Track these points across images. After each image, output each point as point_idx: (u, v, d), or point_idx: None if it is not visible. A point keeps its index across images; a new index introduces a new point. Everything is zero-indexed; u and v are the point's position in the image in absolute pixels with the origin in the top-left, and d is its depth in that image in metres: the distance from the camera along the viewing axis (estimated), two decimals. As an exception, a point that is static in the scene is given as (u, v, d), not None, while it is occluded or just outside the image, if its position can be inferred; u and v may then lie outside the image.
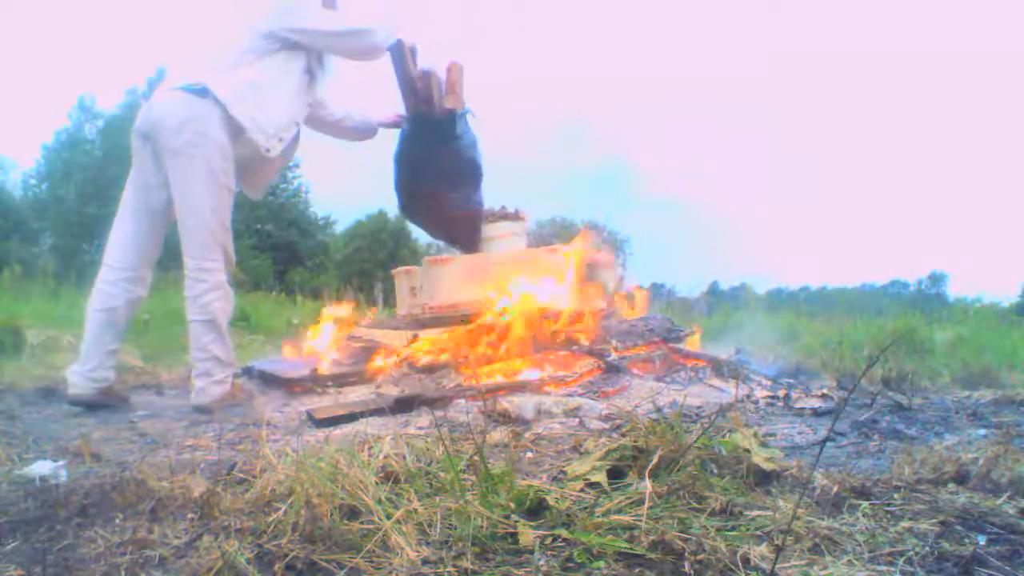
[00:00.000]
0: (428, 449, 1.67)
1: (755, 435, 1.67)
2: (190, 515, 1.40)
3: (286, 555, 1.17)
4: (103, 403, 2.92)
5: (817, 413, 2.70)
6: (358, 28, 3.05)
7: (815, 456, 1.96)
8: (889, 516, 1.38)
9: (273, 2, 2.96)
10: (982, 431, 2.32)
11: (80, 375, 2.91)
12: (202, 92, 2.82)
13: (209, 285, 2.89)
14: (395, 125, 3.70)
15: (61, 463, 1.78)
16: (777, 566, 1.13)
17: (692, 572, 1.14)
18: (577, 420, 2.47)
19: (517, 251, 3.85)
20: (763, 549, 1.18)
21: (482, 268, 3.68)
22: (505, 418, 2.53)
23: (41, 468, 1.71)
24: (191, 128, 2.81)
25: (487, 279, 3.63)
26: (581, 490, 1.49)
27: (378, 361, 3.48)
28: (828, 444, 2.21)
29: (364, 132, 3.70)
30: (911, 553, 1.19)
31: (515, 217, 3.98)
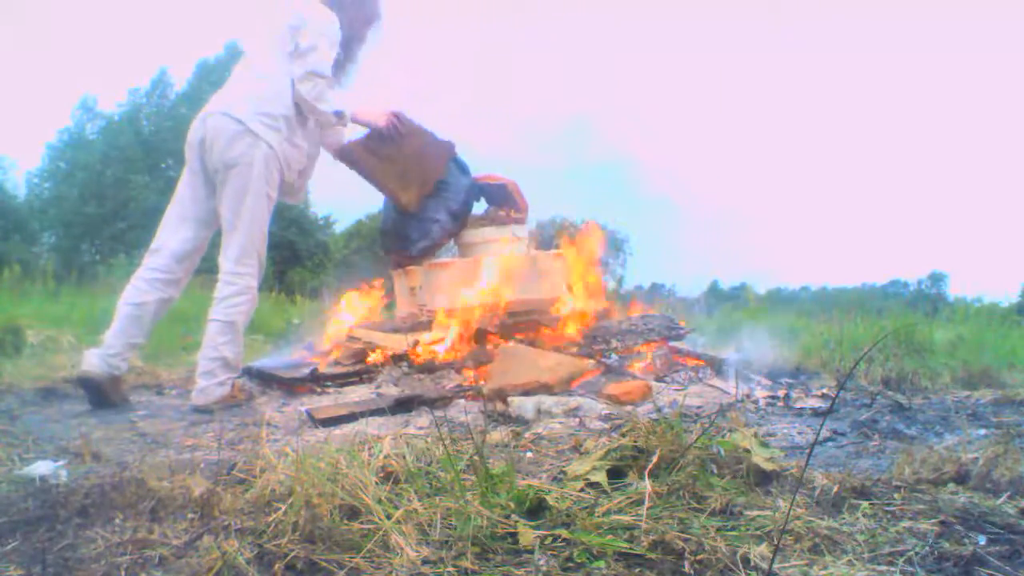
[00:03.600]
0: (428, 449, 1.67)
1: (755, 435, 1.67)
2: (190, 515, 1.40)
3: (286, 555, 1.17)
4: (107, 390, 2.93)
5: (817, 413, 2.70)
6: (328, 113, 3.09)
7: (812, 456, 1.96)
8: (889, 516, 1.38)
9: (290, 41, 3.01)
10: (982, 431, 2.32)
11: (97, 356, 2.94)
12: (240, 122, 2.92)
13: (238, 289, 2.99)
14: (383, 129, 3.42)
15: (61, 463, 1.78)
16: (777, 566, 1.13)
17: (692, 572, 1.14)
18: (577, 420, 2.47)
19: (518, 254, 3.85)
20: (763, 549, 1.18)
21: (483, 272, 3.68)
22: (505, 418, 2.53)
23: (41, 468, 1.71)
24: (245, 140, 2.92)
25: (487, 283, 3.64)
26: (581, 490, 1.49)
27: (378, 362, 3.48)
28: (828, 444, 2.21)
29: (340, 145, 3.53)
30: (911, 553, 1.19)
31: (516, 220, 3.98)
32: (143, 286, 3.01)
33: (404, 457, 1.55)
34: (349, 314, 4.28)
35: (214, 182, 3.02)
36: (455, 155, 3.72)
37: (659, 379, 3.22)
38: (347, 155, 3.48)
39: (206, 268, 3.13)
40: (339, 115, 3.16)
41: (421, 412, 2.65)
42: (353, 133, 3.45)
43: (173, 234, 3.06)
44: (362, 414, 2.57)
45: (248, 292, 3.01)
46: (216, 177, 3.00)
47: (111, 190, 27.24)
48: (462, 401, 2.82)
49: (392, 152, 3.43)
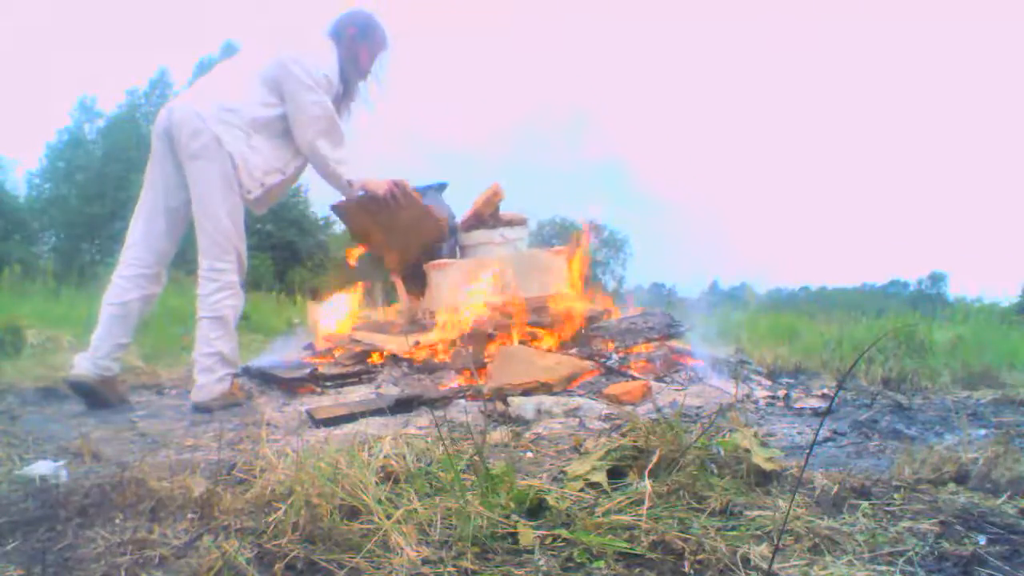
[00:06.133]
0: (428, 449, 1.67)
1: (755, 435, 1.67)
2: (190, 515, 1.40)
3: (286, 555, 1.17)
4: (101, 393, 2.92)
5: (817, 413, 2.70)
6: (336, 173, 3.15)
7: (812, 456, 1.96)
8: (889, 516, 1.38)
9: (289, 66, 2.99)
10: (982, 431, 2.32)
11: (86, 359, 2.93)
12: (201, 118, 2.89)
13: (220, 284, 2.95)
14: (381, 197, 3.38)
15: (61, 463, 1.78)
16: (777, 566, 1.13)
17: (692, 572, 1.14)
18: (577, 420, 2.47)
19: (518, 254, 3.86)
20: (763, 549, 1.18)
21: (483, 272, 3.69)
22: (505, 418, 2.53)
23: (41, 468, 1.71)
24: (204, 136, 2.88)
25: (488, 283, 3.65)
26: (581, 490, 1.49)
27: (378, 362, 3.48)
28: (828, 444, 2.21)
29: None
30: (911, 553, 1.19)
31: (517, 221, 4.00)
32: (125, 284, 2.98)
33: (404, 457, 1.55)
34: (334, 315, 4.27)
35: (184, 174, 2.96)
36: (448, 234, 3.82)
37: (659, 379, 3.22)
38: (341, 211, 3.55)
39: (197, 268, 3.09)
40: (350, 184, 3.22)
41: (421, 412, 2.65)
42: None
43: (146, 229, 3.02)
44: (362, 414, 2.57)
45: (231, 287, 2.96)
46: (187, 173, 2.94)
47: (111, 190, 27.26)
48: (462, 401, 2.82)
49: (385, 219, 3.48)
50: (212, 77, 3.11)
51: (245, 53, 3.28)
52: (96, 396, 2.92)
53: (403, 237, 3.64)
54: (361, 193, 3.36)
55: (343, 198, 3.45)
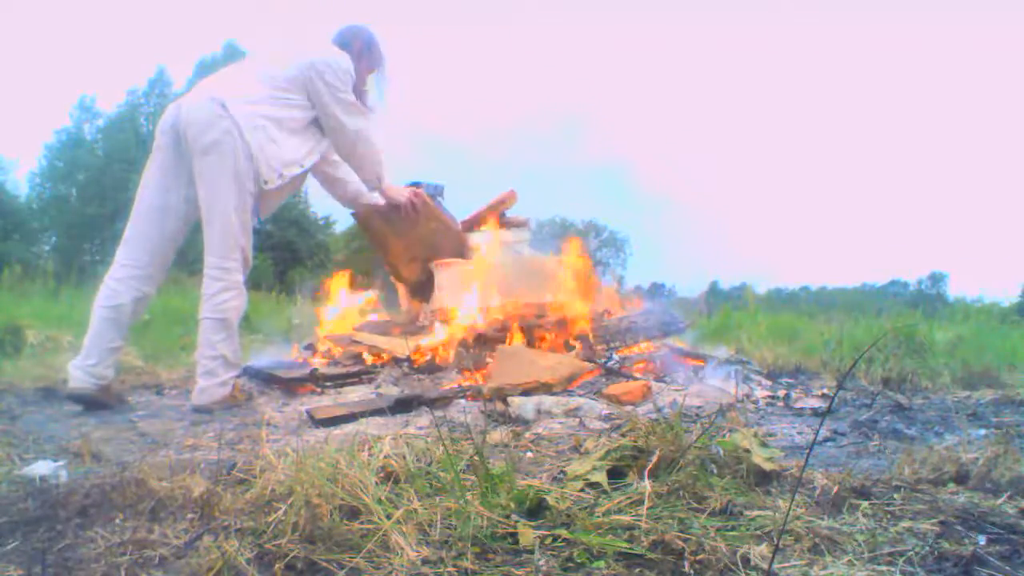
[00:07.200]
0: (428, 449, 1.67)
1: (755, 435, 1.67)
2: (190, 515, 1.40)
3: (286, 555, 1.17)
4: (101, 400, 2.90)
5: (817, 413, 2.71)
6: (380, 159, 3.25)
7: (812, 456, 1.96)
8: (889, 516, 1.38)
9: (316, 59, 3.05)
10: (982, 431, 2.32)
11: (81, 369, 2.89)
12: (223, 106, 2.86)
13: (226, 284, 2.91)
14: (402, 206, 3.50)
15: (61, 463, 1.78)
16: (777, 566, 1.13)
17: (692, 572, 1.14)
18: (577, 420, 2.47)
19: (521, 256, 3.86)
20: (763, 549, 1.18)
21: (486, 273, 3.69)
22: (505, 418, 2.53)
23: (41, 468, 1.71)
24: (220, 127, 2.83)
25: (490, 284, 3.65)
26: (581, 490, 1.49)
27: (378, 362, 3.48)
28: (828, 444, 2.21)
29: (354, 200, 3.65)
30: (911, 553, 1.19)
31: (518, 224, 4.00)
32: (116, 287, 2.94)
33: (404, 457, 1.55)
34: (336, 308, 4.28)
35: (190, 169, 2.92)
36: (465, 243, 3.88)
37: (659, 379, 3.23)
38: (362, 218, 3.63)
39: (200, 269, 3.07)
40: (380, 180, 3.30)
41: (421, 412, 2.65)
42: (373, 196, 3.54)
43: (141, 227, 2.98)
44: (362, 414, 2.57)
45: (235, 287, 2.93)
46: (195, 169, 2.90)
47: (111, 190, 27.27)
48: (462, 401, 2.82)
49: (405, 228, 3.57)
50: (224, 75, 3.10)
51: (254, 55, 3.32)
52: (95, 404, 2.90)
53: (421, 248, 3.71)
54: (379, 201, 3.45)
55: (359, 208, 3.55)
